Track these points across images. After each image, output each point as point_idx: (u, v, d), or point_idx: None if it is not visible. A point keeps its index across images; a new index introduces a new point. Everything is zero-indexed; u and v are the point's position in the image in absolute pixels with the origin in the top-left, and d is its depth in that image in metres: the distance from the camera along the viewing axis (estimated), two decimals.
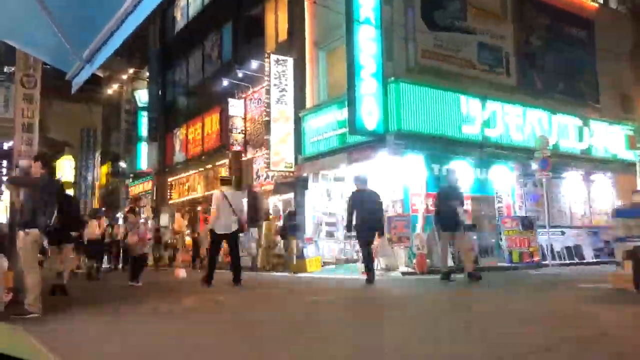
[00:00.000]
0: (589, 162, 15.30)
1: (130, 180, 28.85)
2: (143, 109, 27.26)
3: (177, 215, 13.39)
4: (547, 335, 3.64)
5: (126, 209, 10.96)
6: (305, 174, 14.81)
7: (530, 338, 3.51)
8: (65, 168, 43.46)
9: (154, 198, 25.07)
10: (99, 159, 37.09)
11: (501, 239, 12.54)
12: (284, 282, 10.58)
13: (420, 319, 4.79)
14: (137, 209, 10.92)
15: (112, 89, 31.05)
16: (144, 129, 27.00)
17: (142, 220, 10.96)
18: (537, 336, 3.58)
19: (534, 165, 13.38)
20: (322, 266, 12.98)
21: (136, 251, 10.40)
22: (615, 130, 16.35)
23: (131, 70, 28.68)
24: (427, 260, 11.10)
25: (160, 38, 26.37)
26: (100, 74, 28.81)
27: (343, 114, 13.17)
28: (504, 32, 14.75)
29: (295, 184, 15.17)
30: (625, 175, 15.33)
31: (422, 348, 3.42)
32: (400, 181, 12.30)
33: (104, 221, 14.48)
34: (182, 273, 12.61)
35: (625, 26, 15.57)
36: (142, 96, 27.62)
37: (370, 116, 12.13)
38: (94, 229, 13.01)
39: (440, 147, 12.59)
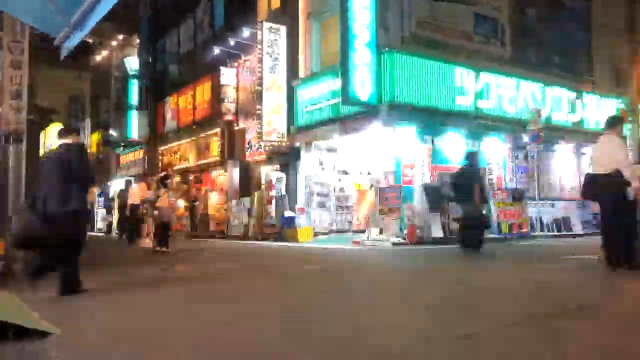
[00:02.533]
0: (581, 135, 15.36)
1: (121, 149, 28.61)
2: (133, 76, 26.82)
3: (142, 184, 13.12)
4: (521, 307, 3.63)
5: (161, 175, 10.80)
6: (297, 144, 14.78)
7: (505, 311, 3.50)
8: (54, 136, 42.92)
9: (145, 166, 24.95)
10: (89, 127, 36.68)
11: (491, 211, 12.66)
12: (272, 252, 10.66)
13: (396, 290, 4.84)
14: (171, 176, 10.78)
15: (101, 56, 30.45)
16: (134, 97, 26.61)
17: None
18: (511, 308, 3.56)
19: (526, 138, 13.44)
20: (314, 236, 13.07)
21: (166, 217, 10.29)
22: (608, 103, 16.37)
23: (121, 37, 28.08)
24: (418, 231, 11.21)
25: (150, 4, 25.78)
26: (89, 40, 28.19)
27: (336, 84, 13.06)
28: (500, 3, 14.57)
29: (288, 154, 15.14)
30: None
31: (387, 321, 3.48)
32: (393, 152, 12.30)
33: (95, 190, 14.46)
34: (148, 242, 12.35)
35: (621, 1, 15.44)
36: (132, 63, 27.14)
37: (363, 87, 12.04)
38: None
39: (433, 118, 12.56)
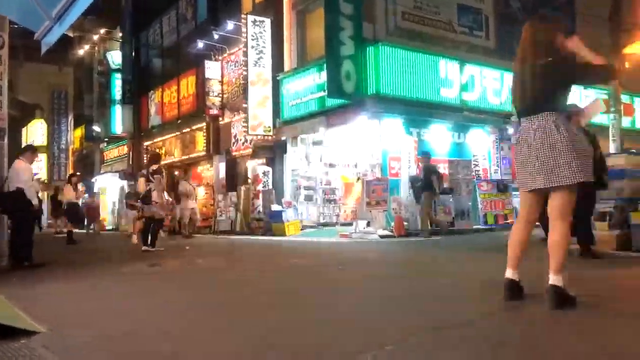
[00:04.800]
0: None
1: (105, 144, 28.33)
2: (116, 70, 26.51)
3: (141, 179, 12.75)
4: (484, 303, 3.51)
5: (152, 169, 9.86)
6: (284, 138, 14.74)
7: (467, 307, 3.41)
8: (37, 132, 42.33)
9: (130, 162, 24.73)
10: (72, 122, 36.21)
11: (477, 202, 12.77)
12: (260, 246, 10.64)
13: (375, 283, 4.86)
14: (161, 169, 9.95)
15: (83, 50, 30.02)
16: (117, 92, 26.33)
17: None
18: (475, 305, 3.51)
19: (511, 130, 13.55)
20: (302, 230, 13.08)
21: (157, 213, 9.54)
22: (590, 94, 16.54)
23: (103, 31, 27.71)
24: (405, 223, 11.27)
25: None
26: (71, 34, 27.77)
27: (322, 77, 13.04)
28: None
29: (274, 148, 15.10)
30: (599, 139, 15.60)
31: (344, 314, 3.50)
32: (379, 145, 12.33)
33: (80, 185, 14.30)
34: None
35: None
36: (115, 58, 26.81)
37: (348, 79, 12.03)
38: (69, 193, 12.97)
39: (419, 110, 12.60)
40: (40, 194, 12.84)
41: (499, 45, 14.92)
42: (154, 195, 9.57)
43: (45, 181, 34.14)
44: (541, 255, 3.36)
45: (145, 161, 23.46)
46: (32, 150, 7.85)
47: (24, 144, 31.75)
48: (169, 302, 4.09)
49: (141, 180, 10.91)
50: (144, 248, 9.20)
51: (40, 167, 40.50)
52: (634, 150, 12.99)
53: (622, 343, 2.48)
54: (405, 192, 11.91)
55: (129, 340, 2.84)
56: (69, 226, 13.34)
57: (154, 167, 9.74)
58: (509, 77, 14.58)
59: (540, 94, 3.22)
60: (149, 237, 9.25)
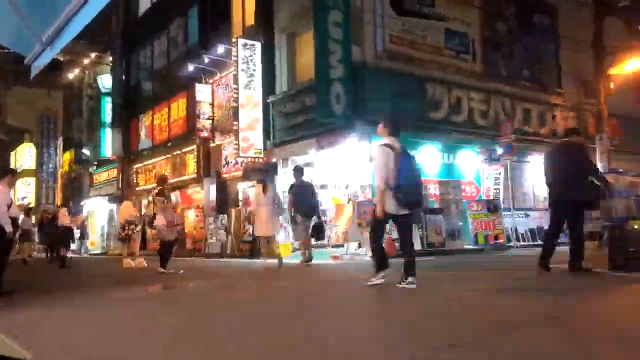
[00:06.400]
0: (552, 146, 15.68)
1: (94, 167, 28.18)
2: (106, 94, 26.54)
3: (128, 202, 12.55)
4: (468, 326, 3.52)
5: (155, 192, 9.98)
6: (274, 160, 14.76)
7: (452, 329, 3.41)
8: (25, 155, 42.05)
9: (120, 185, 24.57)
10: (61, 145, 36.03)
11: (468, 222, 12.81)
12: (251, 269, 10.55)
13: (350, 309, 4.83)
14: (166, 191, 9.96)
15: (73, 74, 30.07)
16: (107, 115, 26.32)
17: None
18: (459, 327, 3.51)
19: (499, 150, 13.69)
20: (292, 252, 13.00)
21: (165, 236, 9.60)
22: (577, 115, 16.81)
23: (93, 55, 27.82)
24: (396, 245, 11.25)
25: (123, 21, 25.63)
26: (61, 58, 27.83)
27: (311, 99, 13.13)
28: (471, 18, 14.91)
29: (265, 170, 15.10)
30: None
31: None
32: (369, 166, 12.37)
33: (82, 218, 14.40)
34: (132, 263, 11.91)
35: (588, 14, 15.93)
36: (105, 81, 26.87)
37: (338, 102, 12.13)
38: (63, 218, 12.99)
39: (408, 132, 12.68)
40: (21, 219, 12.67)
41: (485, 67, 15.17)
42: (158, 218, 9.61)
43: (32, 205, 33.78)
44: None
45: (135, 183, 23.45)
46: (12, 174, 7.71)
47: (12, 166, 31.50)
48: (157, 328, 4.03)
49: (128, 204, 10.89)
50: (160, 270, 9.32)
51: (28, 191, 40.20)
52: (621, 170, 13.16)
53: None
54: None
55: None
56: (62, 251, 13.34)
57: (158, 189, 9.81)
58: (495, 99, 14.88)
59: None
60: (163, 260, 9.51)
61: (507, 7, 16.10)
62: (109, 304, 5.62)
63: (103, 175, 27.31)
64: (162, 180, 10.37)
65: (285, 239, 13.57)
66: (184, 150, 19.73)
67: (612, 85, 15.37)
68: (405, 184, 5.42)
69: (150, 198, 10.93)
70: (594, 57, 15.21)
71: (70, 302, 5.79)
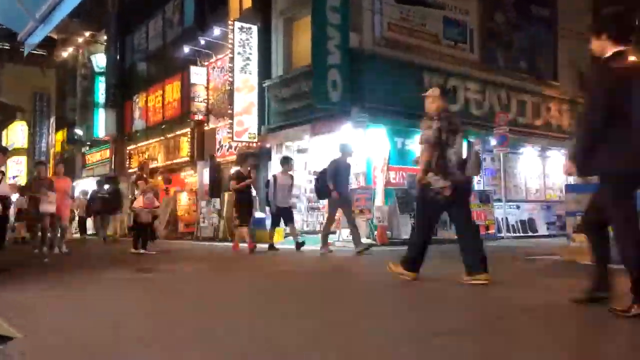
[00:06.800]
0: (545, 139, 15.76)
1: (87, 147, 28.00)
2: (100, 74, 26.27)
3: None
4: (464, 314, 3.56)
5: (134, 177, 10.62)
6: (268, 145, 14.73)
7: (447, 317, 3.43)
8: (18, 134, 41.66)
9: (112, 167, 24.45)
10: (54, 125, 35.72)
11: None
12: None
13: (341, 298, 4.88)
14: (145, 175, 10.48)
15: (67, 52, 29.71)
16: (101, 95, 26.07)
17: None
18: (454, 315, 3.57)
19: (493, 141, 13.72)
20: (285, 237, 13.02)
21: (142, 218, 9.94)
22: (572, 107, 16.85)
23: (88, 33, 27.44)
24: (388, 232, 11.31)
25: (119, 0, 25.30)
26: (55, 36, 27.47)
27: (308, 85, 13.07)
28: (469, 7, 14.84)
29: (259, 155, 15.07)
30: None
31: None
32: (364, 154, 12.38)
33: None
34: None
35: (586, 5, 15.89)
36: (99, 61, 26.57)
37: (334, 88, 12.09)
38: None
39: (403, 120, 12.69)
40: (20, 196, 12.67)
41: (483, 57, 15.14)
42: (136, 201, 10.06)
43: (24, 184, 33.56)
44: None
45: (128, 165, 23.36)
46: (3, 152, 7.65)
47: (3, 142, 31.27)
48: (149, 308, 4.04)
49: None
50: (132, 251, 9.56)
51: (20, 169, 39.91)
52: None
53: None
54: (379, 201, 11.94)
55: (106, 347, 2.80)
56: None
57: (137, 174, 10.22)
58: (491, 90, 14.87)
59: None
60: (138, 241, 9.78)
61: None
62: (102, 285, 5.62)
63: (96, 156, 27.15)
64: (141, 167, 10.96)
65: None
66: (177, 133, 19.64)
67: None
68: None
69: (132, 179, 11.39)
70: (591, 49, 15.18)
71: (60, 282, 5.79)
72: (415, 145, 13.13)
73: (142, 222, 9.97)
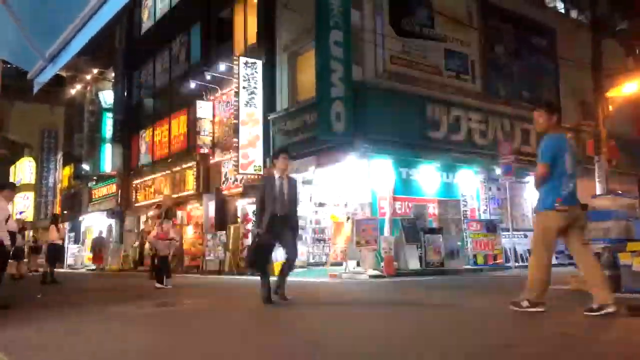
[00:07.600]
0: None
1: (94, 182, 28.20)
2: (107, 110, 26.70)
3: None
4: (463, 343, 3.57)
5: (151, 213, 10.78)
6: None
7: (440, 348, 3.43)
8: (25, 170, 42.06)
9: (118, 201, 24.55)
10: (61, 160, 36.08)
11: (467, 242, 12.78)
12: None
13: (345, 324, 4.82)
14: (161, 211, 10.41)
15: (75, 89, 30.25)
16: (108, 131, 26.43)
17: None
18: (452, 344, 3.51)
19: (498, 170, 13.72)
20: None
21: (161, 251, 9.84)
22: (575, 136, 16.85)
23: (96, 71, 28.03)
24: (395, 263, 11.21)
25: (126, 38, 25.90)
26: (63, 74, 28.04)
27: (312, 117, 13.20)
28: (470, 39, 15.07)
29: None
30: (584, 180, 15.82)
31: None
32: (368, 185, 12.40)
33: (65, 225, 14.18)
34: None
35: (586, 36, 16.11)
36: (106, 97, 27.05)
37: (338, 120, 12.20)
38: (52, 234, 12.76)
39: (407, 151, 12.76)
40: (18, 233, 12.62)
41: (485, 88, 15.29)
42: (152, 233, 10.17)
43: (30, 219, 33.71)
44: None
45: (134, 199, 23.44)
46: (11, 188, 7.69)
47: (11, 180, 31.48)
48: (150, 346, 4.00)
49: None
50: (156, 285, 9.43)
51: (27, 205, 40.14)
52: (619, 192, 13.16)
53: None
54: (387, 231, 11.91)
55: None
56: (48, 267, 13.00)
57: (154, 210, 10.51)
58: (494, 119, 14.96)
59: None
60: (159, 275, 9.75)
61: (505, 29, 16.29)
62: (103, 320, 5.57)
63: (102, 191, 27.30)
64: (159, 206, 10.93)
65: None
66: (183, 166, 19.76)
67: (610, 107, 15.45)
68: None
69: (150, 213, 11.46)
70: (593, 79, 15.30)
71: (61, 319, 5.75)
72: (419, 176, 13.20)
73: (162, 255, 9.87)
